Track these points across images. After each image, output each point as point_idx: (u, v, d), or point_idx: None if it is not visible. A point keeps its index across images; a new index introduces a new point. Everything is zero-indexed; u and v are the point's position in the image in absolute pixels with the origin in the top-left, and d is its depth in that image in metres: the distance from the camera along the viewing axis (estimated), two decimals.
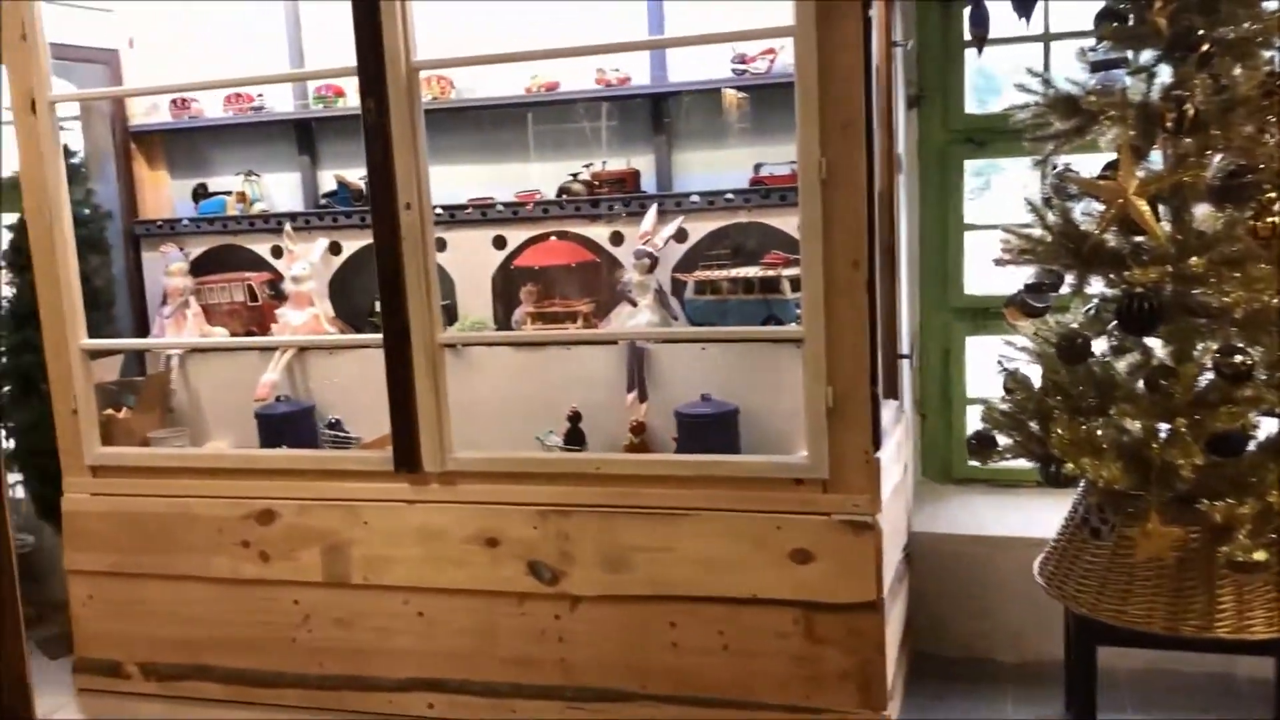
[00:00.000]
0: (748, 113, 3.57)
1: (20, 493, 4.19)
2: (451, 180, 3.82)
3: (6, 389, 4.10)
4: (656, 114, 3.65)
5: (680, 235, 3.57)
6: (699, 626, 3.14)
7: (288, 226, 3.85)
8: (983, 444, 2.95)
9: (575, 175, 3.68)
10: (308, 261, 3.82)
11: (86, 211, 4.06)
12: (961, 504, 3.87)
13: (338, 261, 3.94)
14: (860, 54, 2.83)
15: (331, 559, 3.46)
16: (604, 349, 3.59)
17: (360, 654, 3.47)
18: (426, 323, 3.24)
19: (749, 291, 3.45)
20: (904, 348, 3.60)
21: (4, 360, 4.07)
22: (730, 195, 3.50)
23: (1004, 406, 2.93)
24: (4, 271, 4.06)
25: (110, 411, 3.78)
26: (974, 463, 3.27)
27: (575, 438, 3.47)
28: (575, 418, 3.48)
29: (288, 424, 3.74)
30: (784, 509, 3.06)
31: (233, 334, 3.96)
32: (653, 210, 3.53)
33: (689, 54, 3.58)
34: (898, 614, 3.38)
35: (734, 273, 3.49)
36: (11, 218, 4.01)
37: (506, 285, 3.78)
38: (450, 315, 3.82)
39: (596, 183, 3.66)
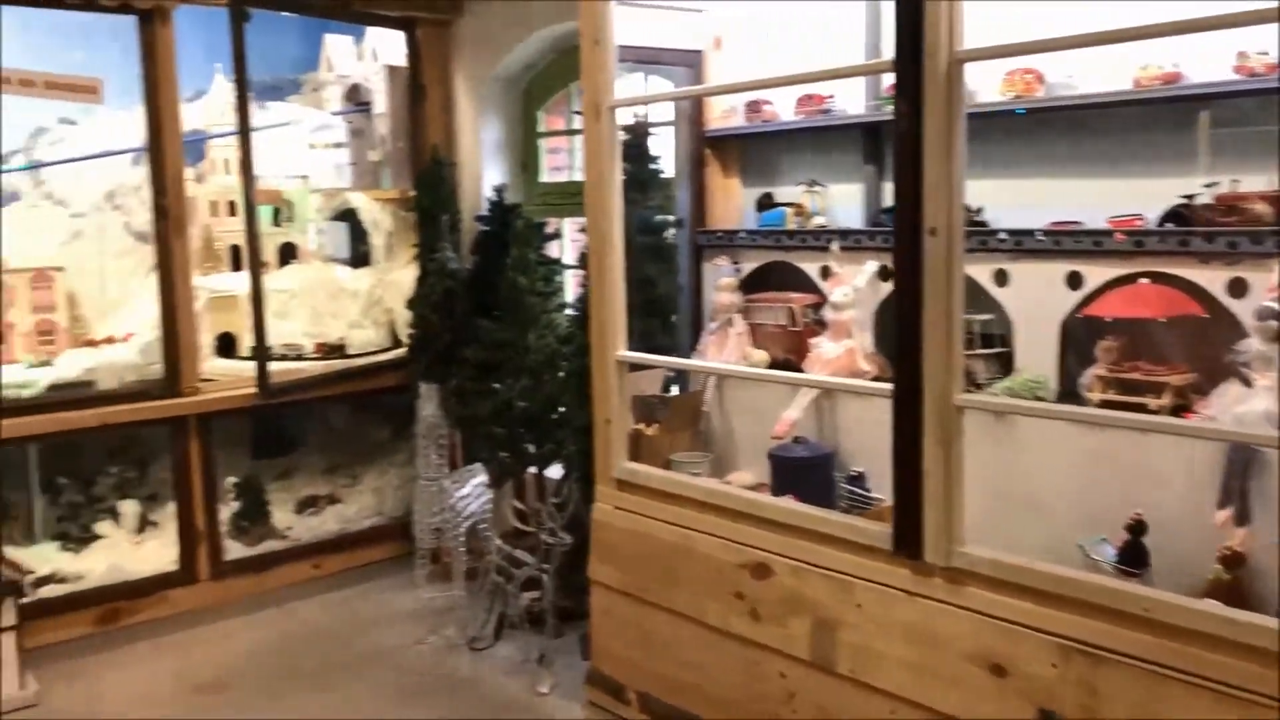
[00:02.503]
0: None
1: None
2: (1028, 198, 3.08)
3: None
4: None
5: None
6: None
7: (835, 245, 3.39)
8: None
9: (1190, 197, 2.71)
10: (851, 286, 3.33)
11: (659, 218, 4.00)
12: None
13: (887, 288, 3.38)
14: None
15: (820, 636, 2.97)
16: (1194, 441, 2.59)
17: None
18: (943, 378, 2.58)
19: None
20: None
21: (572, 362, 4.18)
22: None
23: None
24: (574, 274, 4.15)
25: (641, 426, 3.65)
26: None
27: (1133, 556, 2.55)
28: (1137, 528, 2.55)
29: (801, 469, 3.30)
30: None
31: (772, 359, 3.62)
32: None
33: None
34: None
35: None
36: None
37: (1081, 336, 2.92)
38: (1005, 366, 3.08)
39: (1221, 208, 2.64)
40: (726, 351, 3.67)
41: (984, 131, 3.11)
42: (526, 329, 4.33)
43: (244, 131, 4.48)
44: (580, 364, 4.05)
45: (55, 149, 5.22)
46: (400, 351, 5.20)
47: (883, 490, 3.22)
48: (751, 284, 3.76)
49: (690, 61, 3.89)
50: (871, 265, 3.33)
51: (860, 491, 3.23)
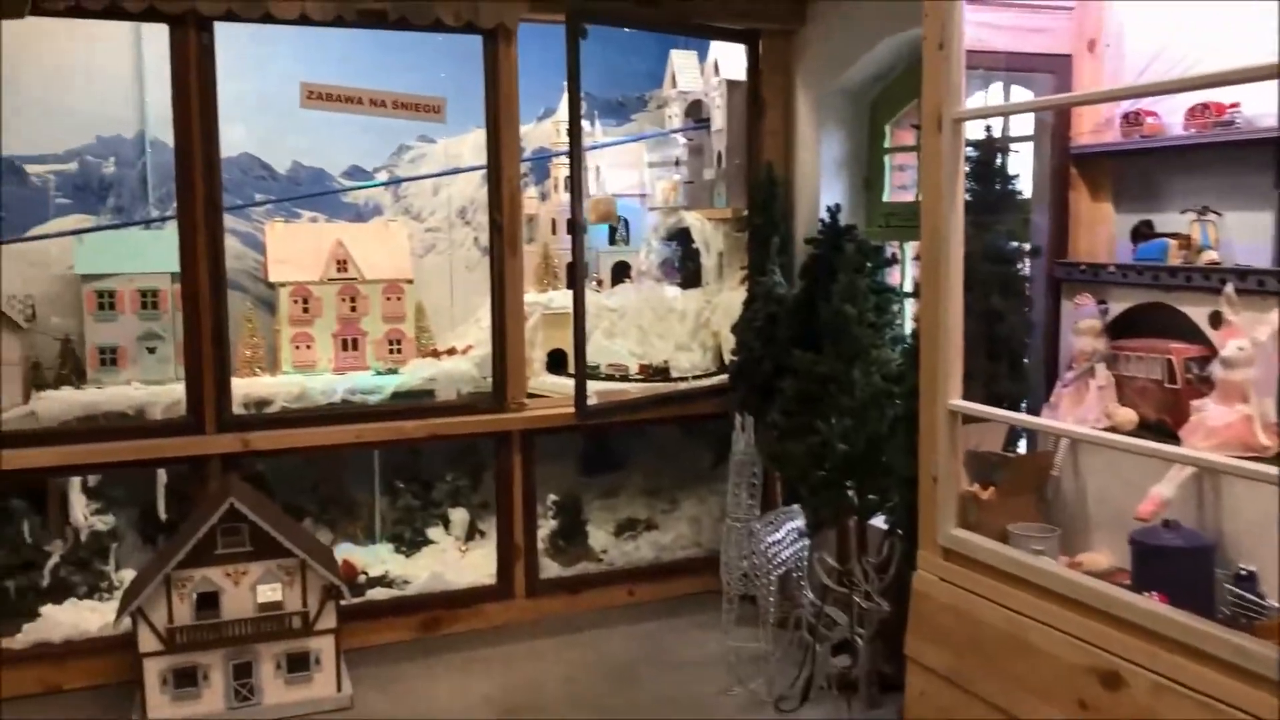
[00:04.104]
0: None
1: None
2: None
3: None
4: None
5: None
6: None
7: (1229, 288, 2.75)
8: None
9: None
10: (1249, 340, 2.68)
11: (1012, 245, 3.51)
12: None
13: None
14: None
15: None
16: None
17: None
18: None
19: None
20: None
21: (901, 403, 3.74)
22: None
23: None
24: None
25: (976, 488, 3.18)
26: None
27: None
28: None
29: (1171, 561, 2.69)
30: None
31: (1141, 420, 3.02)
32: None
33: None
34: None
35: None
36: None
37: None
38: None
39: None
40: (1084, 407, 3.11)
41: None
42: (852, 363, 3.95)
43: (575, 150, 4.43)
44: (910, 407, 3.61)
45: (414, 165, 5.46)
46: (723, 377, 4.99)
47: None
48: (1120, 328, 3.16)
49: (1057, 68, 3.36)
50: (1278, 315, 2.67)
51: (1250, 597, 2.58)
